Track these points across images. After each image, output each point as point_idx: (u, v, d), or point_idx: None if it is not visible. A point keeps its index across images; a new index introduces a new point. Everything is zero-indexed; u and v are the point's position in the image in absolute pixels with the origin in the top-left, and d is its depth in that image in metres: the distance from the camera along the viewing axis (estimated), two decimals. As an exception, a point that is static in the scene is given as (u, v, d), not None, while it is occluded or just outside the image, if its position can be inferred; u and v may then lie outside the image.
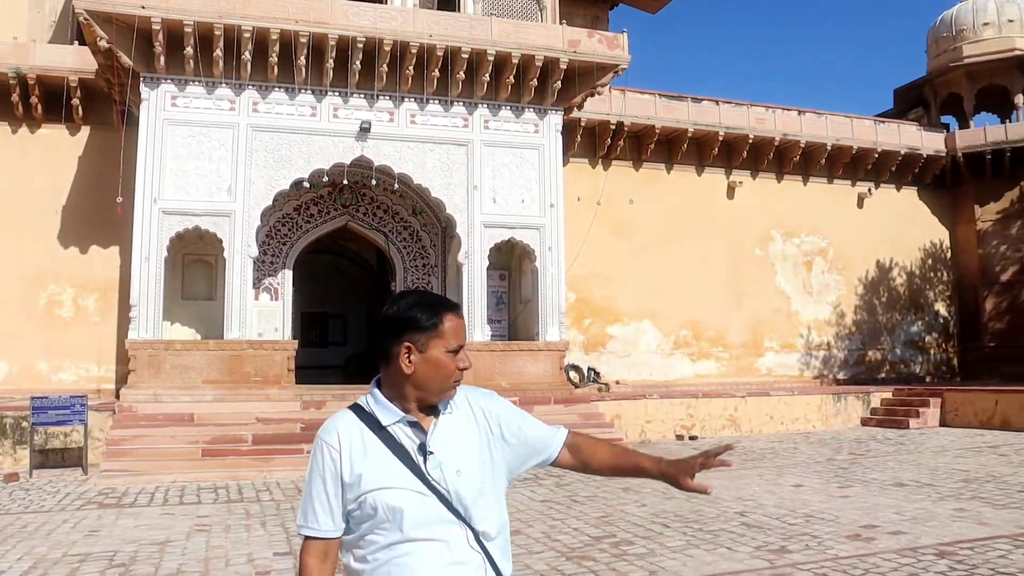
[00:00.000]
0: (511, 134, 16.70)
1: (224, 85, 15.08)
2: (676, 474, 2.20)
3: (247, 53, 14.69)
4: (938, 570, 5.48)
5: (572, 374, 19.09)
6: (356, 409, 2.07)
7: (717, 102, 22.18)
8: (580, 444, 2.22)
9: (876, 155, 23.90)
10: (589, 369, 19.92)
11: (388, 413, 2.03)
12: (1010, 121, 25.21)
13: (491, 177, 16.46)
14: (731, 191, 22.73)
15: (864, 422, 17.36)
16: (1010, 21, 25.07)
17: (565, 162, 19.39)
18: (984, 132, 24.71)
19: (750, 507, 8.12)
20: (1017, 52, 24.42)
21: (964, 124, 25.52)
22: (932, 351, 25.13)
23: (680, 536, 6.88)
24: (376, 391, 2.07)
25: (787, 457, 12.33)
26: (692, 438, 15.41)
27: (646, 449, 13.82)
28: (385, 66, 15.41)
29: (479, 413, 2.10)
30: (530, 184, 16.69)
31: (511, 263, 18.33)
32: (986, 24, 25.16)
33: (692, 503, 8.46)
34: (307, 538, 2.02)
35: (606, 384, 18.97)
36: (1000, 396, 16.12)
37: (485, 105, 16.58)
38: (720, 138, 21.85)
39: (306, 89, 15.50)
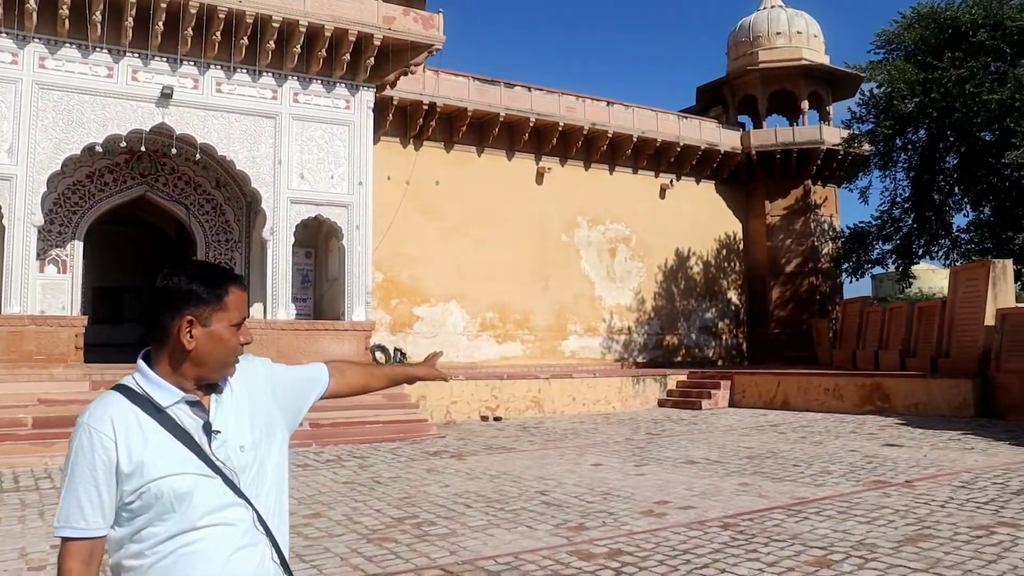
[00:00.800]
0: (321, 109, 16.29)
1: (4, 35, 13.82)
2: (428, 370, 2.47)
3: (32, 1, 13.53)
4: (722, 540, 5.82)
5: (378, 355, 18.93)
6: (124, 391, 1.88)
7: (529, 88, 22.56)
8: (342, 367, 2.24)
9: (679, 149, 25.11)
10: (396, 350, 19.83)
11: (165, 393, 1.87)
12: (797, 124, 27.16)
13: (299, 152, 16.00)
14: (540, 177, 23.22)
15: (661, 403, 18.23)
16: (798, 33, 27.00)
17: (376, 140, 19.13)
18: (775, 133, 26.52)
19: (551, 486, 8.33)
20: (804, 62, 26.33)
21: (758, 124, 27.26)
22: (724, 336, 26.77)
23: (482, 516, 6.95)
24: (146, 369, 1.89)
25: (588, 437, 12.74)
26: (497, 419, 15.65)
27: (453, 431, 13.92)
28: (190, 30, 14.62)
29: (256, 381, 2.00)
30: (339, 161, 16.35)
31: (318, 241, 17.92)
32: (779, 33, 26.96)
33: (494, 483, 8.58)
34: (68, 540, 1.80)
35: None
36: (781, 378, 17.37)
37: (295, 78, 16.07)
38: (531, 124, 22.25)
39: (102, 48, 14.47)
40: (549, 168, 23.27)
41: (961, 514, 6.48)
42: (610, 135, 23.61)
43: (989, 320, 14.47)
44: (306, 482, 8.92)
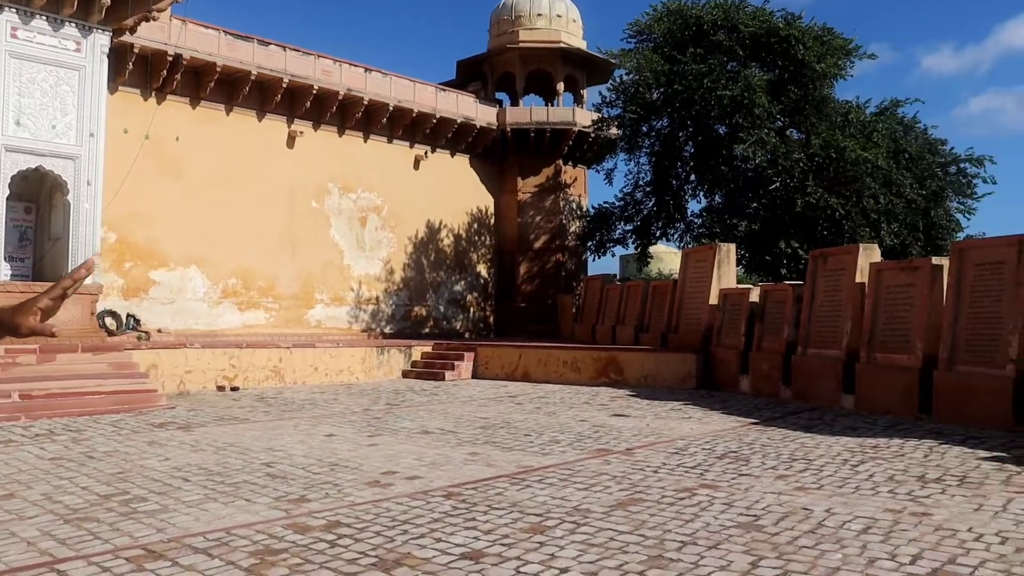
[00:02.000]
0: (46, 49, 14.76)
1: None
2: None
3: None
4: (443, 510, 5.86)
5: (108, 320, 17.64)
6: None
7: (284, 48, 21.74)
8: None
9: (435, 120, 25.18)
10: (128, 316, 18.56)
11: None
12: (552, 105, 28.06)
13: (17, 95, 14.43)
14: (292, 140, 22.49)
15: (405, 374, 18.28)
16: (559, 16, 27.84)
17: (112, 90, 17.72)
18: (530, 112, 27.22)
19: (279, 458, 8.08)
20: (562, 44, 27.20)
21: (515, 102, 27.87)
22: (472, 309, 27.29)
23: (200, 490, 6.60)
24: None
25: (326, 408, 12.53)
26: (234, 389, 15.05)
27: (185, 402, 13.21)
28: None
29: None
30: (67, 109, 14.92)
31: (40, 195, 16.31)
32: (539, 15, 27.67)
33: (220, 455, 8.21)
34: None
35: (146, 332, 17.82)
36: (523, 351, 17.92)
37: (15, 10, 14.44)
38: (284, 85, 21.47)
39: None
40: (301, 132, 22.58)
41: (670, 478, 6.93)
42: (366, 102, 23.26)
43: (713, 299, 15.64)
44: (5, 460, 8.09)
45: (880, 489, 6.34)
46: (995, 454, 7.67)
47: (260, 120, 21.87)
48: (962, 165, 24.29)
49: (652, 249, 26.12)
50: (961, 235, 24.22)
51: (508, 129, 26.85)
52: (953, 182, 24.21)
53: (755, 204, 22.32)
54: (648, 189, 24.62)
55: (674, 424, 10.48)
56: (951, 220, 23.99)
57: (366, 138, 24.24)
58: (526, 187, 27.58)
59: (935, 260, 10.75)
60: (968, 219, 28.04)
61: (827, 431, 9.53)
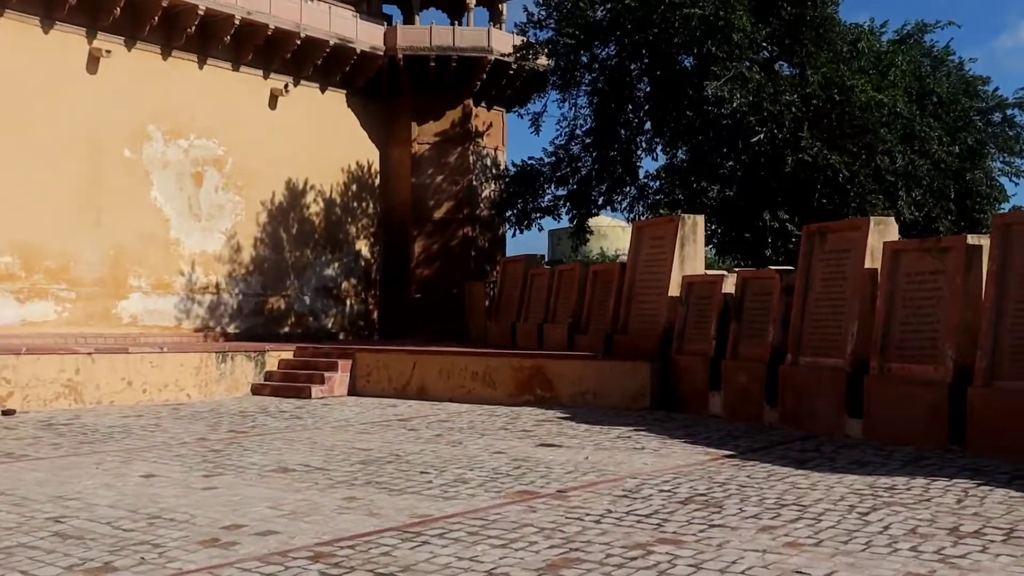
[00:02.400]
0: None
1: None
2: None
3: None
4: (308, 579, 5.73)
5: None
6: None
7: (85, -70, 21.13)
8: None
9: (299, 41, 24.86)
10: None
11: None
12: (461, 24, 27.95)
13: None
14: (94, 63, 21.88)
15: (256, 390, 18.00)
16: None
17: None
18: (430, 33, 27.02)
19: (73, 509, 7.82)
20: (471, -64, 27.11)
21: (409, 18, 27.75)
22: (350, 301, 27.08)
23: (-47, 556, 6.31)
24: None
25: (144, 437, 12.25)
26: (8, 413, 14.60)
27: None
28: None
29: None
30: None
31: None
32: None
33: (-11, 506, 7.90)
34: None
35: None
36: (419, 359, 17.79)
37: None
38: (86, -17, 20.90)
39: None
40: (108, 51, 21.98)
41: (618, 531, 6.90)
42: (201, 11, 22.77)
43: (674, 289, 15.72)
44: None
45: (899, 546, 6.39)
46: (1050, 498, 7.86)
47: (46, 32, 21.20)
48: (1009, 112, 24.98)
49: (592, 222, 26.34)
50: (1007, 206, 24.91)
51: (400, 55, 26.64)
52: (997, 135, 24.89)
53: (731, 163, 22.62)
54: (588, 141, 24.71)
55: (622, 457, 10.49)
56: (993, 186, 24.67)
57: (202, 63, 23.79)
58: (424, 136, 27.44)
59: (971, 239, 10.94)
60: (1016, 184, 29.00)
61: (827, 467, 9.64)
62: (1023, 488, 8.27)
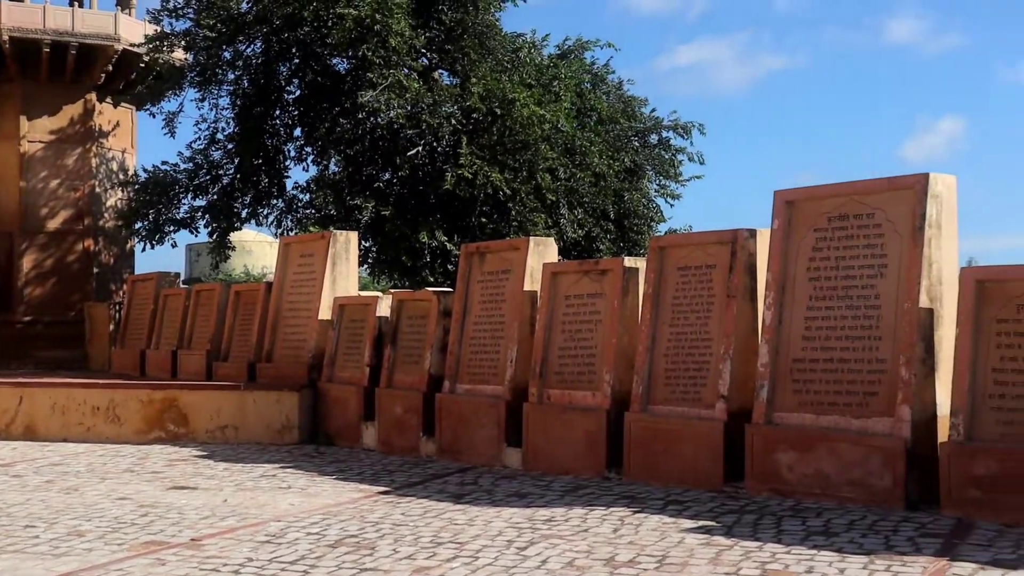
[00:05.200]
0: None
1: None
2: None
3: None
4: None
5: None
6: None
7: None
8: None
9: None
10: None
11: None
12: (82, 6, 26.98)
13: None
14: None
15: None
16: None
17: None
18: (44, 12, 25.89)
19: None
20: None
21: (22, -5, 26.46)
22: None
23: None
24: None
25: None
26: None
27: None
28: None
29: None
30: None
31: None
32: None
33: None
34: None
35: None
36: (27, 391, 16.93)
37: None
38: None
39: None
40: None
41: (257, 579, 6.91)
42: None
43: (325, 313, 15.81)
44: None
45: (556, 579, 6.75)
46: (701, 523, 8.47)
47: None
48: (665, 135, 26.70)
49: (235, 237, 26.07)
50: (663, 227, 26.59)
51: (5, 37, 25.33)
52: (654, 157, 26.53)
53: (388, 176, 22.96)
54: (231, 147, 24.43)
55: (266, 498, 10.46)
56: (651, 207, 26.25)
57: None
58: (36, 132, 26.27)
59: (628, 262, 11.65)
60: (672, 206, 31.02)
61: (485, 500, 9.99)
62: (676, 514, 8.91)
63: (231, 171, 24.43)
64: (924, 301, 8.81)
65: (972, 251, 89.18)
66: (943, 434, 8.64)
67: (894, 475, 8.60)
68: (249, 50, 23.82)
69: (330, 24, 21.36)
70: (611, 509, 9.23)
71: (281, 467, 12.64)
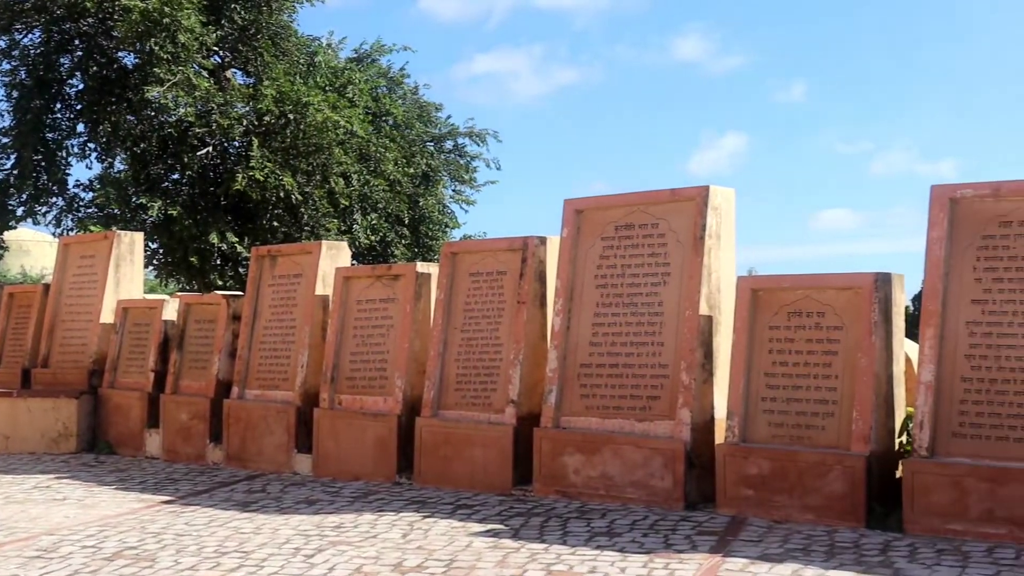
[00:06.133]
0: None
1: None
2: None
3: None
4: None
5: None
6: None
7: None
8: None
9: None
10: None
11: None
12: None
13: None
14: None
15: None
16: None
17: None
18: None
19: None
20: None
21: None
22: None
23: None
24: None
25: None
26: None
27: None
28: None
29: None
30: None
31: None
32: None
33: None
34: None
35: None
36: None
37: None
38: None
39: None
40: None
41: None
42: None
43: (108, 316, 15.48)
44: None
45: (343, 583, 6.84)
46: (489, 527, 8.69)
47: None
48: (460, 141, 27.04)
49: (11, 236, 25.26)
50: (458, 233, 26.92)
51: None
52: (449, 162, 26.85)
53: (176, 176, 22.62)
54: (6, 141, 23.67)
55: (38, 511, 10.19)
56: (445, 213, 26.57)
57: None
58: None
59: (421, 267, 11.83)
60: (467, 212, 31.35)
61: (273, 508, 9.99)
62: (465, 518, 9.11)
63: (7, 166, 23.64)
64: (704, 308, 9.27)
65: (752, 261, 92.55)
66: (720, 436, 9.13)
67: (674, 476, 9.04)
68: (27, 39, 23.12)
69: (115, 16, 20.93)
70: (401, 514, 9.38)
71: (56, 477, 12.36)
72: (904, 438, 8.75)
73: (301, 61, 23.10)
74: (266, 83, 21.80)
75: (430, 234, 25.19)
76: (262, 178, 20.86)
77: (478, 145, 26.83)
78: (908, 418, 8.77)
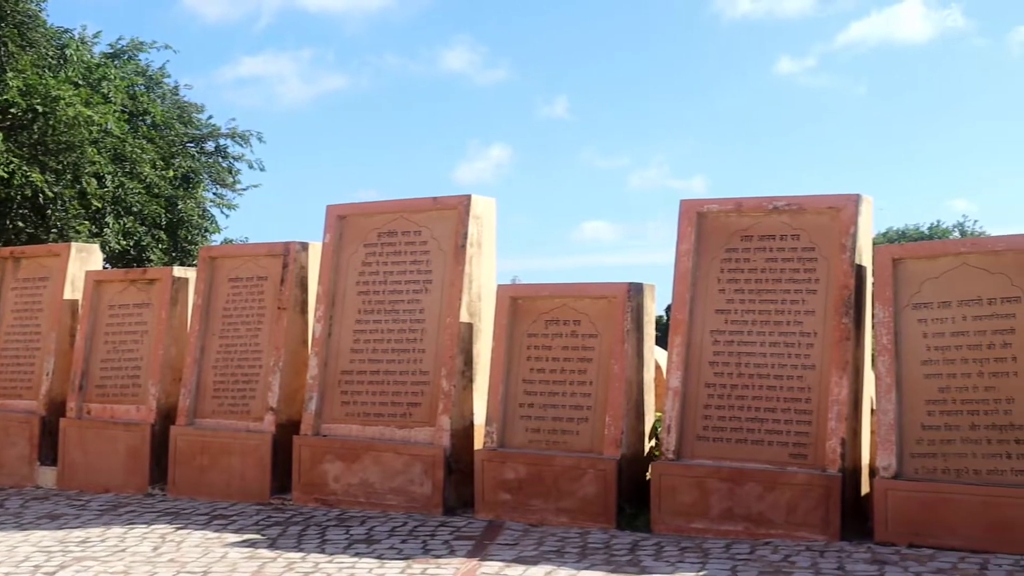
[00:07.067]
0: None
1: None
2: None
3: None
4: None
5: None
6: None
7: None
8: None
9: None
10: None
11: None
12: None
13: None
14: None
15: None
16: None
17: None
18: None
19: None
20: None
21: None
22: None
23: None
24: None
25: None
26: None
27: None
28: None
29: None
30: None
31: None
32: None
33: None
34: None
35: None
36: None
37: None
38: None
39: None
40: None
41: None
42: None
43: None
44: None
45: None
46: (246, 537, 8.64)
47: None
48: (222, 142, 26.65)
49: None
50: (218, 238, 26.51)
51: None
52: (210, 165, 26.42)
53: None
54: None
55: None
56: (205, 216, 26.12)
57: None
58: None
59: (178, 271, 11.64)
60: (228, 216, 30.93)
61: (12, 524, 9.64)
62: (221, 529, 9.05)
63: None
64: (465, 316, 9.47)
65: (516, 270, 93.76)
66: (479, 442, 9.33)
67: (433, 482, 9.21)
68: None
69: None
70: (153, 526, 9.23)
71: None
72: (653, 442, 9.14)
73: (50, 53, 22.30)
74: (11, 74, 20.94)
75: (189, 238, 24.66)
76: (7, 175, 20.02)
77: (241, 146, 26.49)
78: (657, 422, 9.19)
